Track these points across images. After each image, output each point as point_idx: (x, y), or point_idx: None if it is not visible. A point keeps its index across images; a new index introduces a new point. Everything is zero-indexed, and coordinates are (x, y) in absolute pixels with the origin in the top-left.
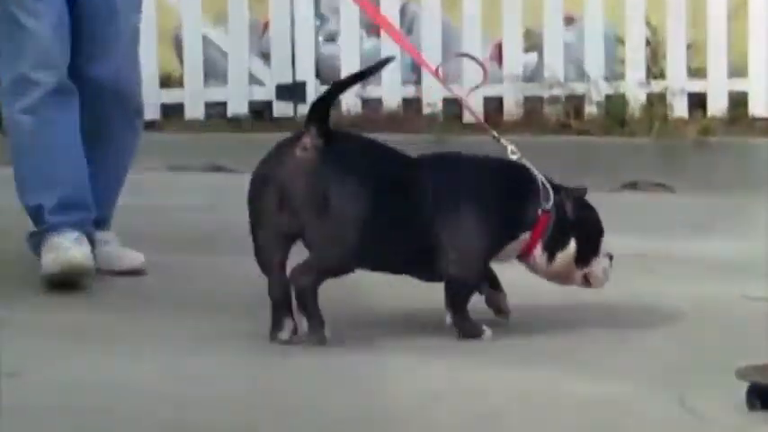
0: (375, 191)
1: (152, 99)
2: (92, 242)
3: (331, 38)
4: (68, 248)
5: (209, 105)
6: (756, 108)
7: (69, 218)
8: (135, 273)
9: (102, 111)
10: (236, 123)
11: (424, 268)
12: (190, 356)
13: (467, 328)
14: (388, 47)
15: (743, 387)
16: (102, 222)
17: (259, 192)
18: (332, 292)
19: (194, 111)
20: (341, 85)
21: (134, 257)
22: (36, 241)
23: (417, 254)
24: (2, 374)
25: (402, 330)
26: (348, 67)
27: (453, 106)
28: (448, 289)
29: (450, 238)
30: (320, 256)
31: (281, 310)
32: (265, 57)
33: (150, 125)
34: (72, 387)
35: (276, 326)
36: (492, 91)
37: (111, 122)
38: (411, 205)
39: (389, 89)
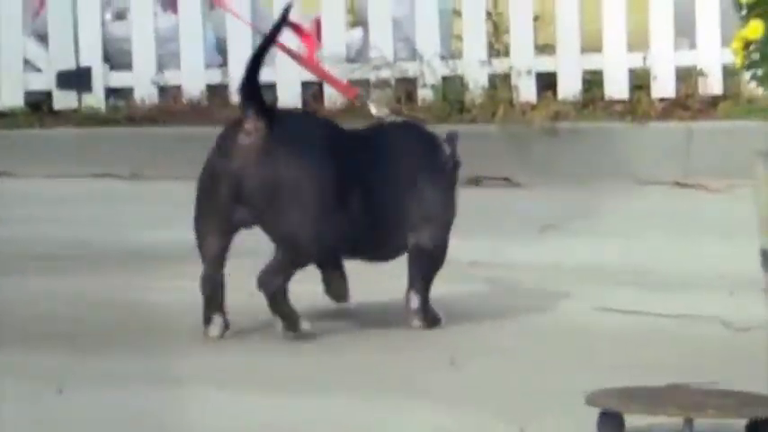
0: (331, 168)
1: None
2: None
3: (120, 15)
4: None
5: None
6: (612, 89)
7: None
8: None
9: None
10: (9, 118)
11: (381, 246)
12: None
13: (432, 316)
14: (186, 24)
15: (593, 415)
16: None
17: (207, 187)
18: None
19: None
20: (260, 55)
21: None
22: None
23: (376, 230)
24: None
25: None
26: (141, 49)
27: (267, 92)
28: (418, 266)
29: (420, 210)
30: (285, 249)
31: (212, 305)
32: (42, 39)
33: None
34: None
35: (207, 321)
36: (310, 75)
37: None
38: (371, 179)
39: (191, 75)
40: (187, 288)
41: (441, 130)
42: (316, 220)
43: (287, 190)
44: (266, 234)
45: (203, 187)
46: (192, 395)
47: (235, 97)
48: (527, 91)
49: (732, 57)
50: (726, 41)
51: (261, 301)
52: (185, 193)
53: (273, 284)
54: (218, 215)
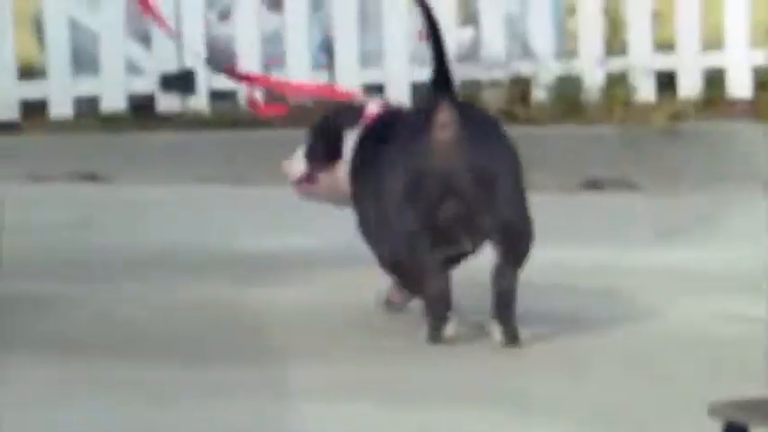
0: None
1: (9, 95)
2: None
3: (224, 15)
4: None
5: (78, 101)
6: (734, 88)
7: None
8: None
9: None
10: (112, 122)
11: None
12: (41, 407)
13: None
14: (292, 23)
15: (717, 427)
16: None
17: (410, 189)
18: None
19: (61, 107)
20: (442, 44)
21: None
22: None
23: None
24: None
25: None
26: (247, 50)
27: (375, 94)
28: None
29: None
30: (505, 240)
31: (442, 306)
32: (145, 40)
33: (7, 127)
34: None
35: (440, 324)
36: (419, 74)
37: None
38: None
39: (296, 76)
40: (293, 296)
41: (555, 131)
42: (528, 217)
43: (503, 178)
44: (476, 227)
45: (407, 190)
46: (302, 407)
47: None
48: (645, 90)
49: None
50: None
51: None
52: (290, 199)
53: (507, 284)
54: (427, 215)
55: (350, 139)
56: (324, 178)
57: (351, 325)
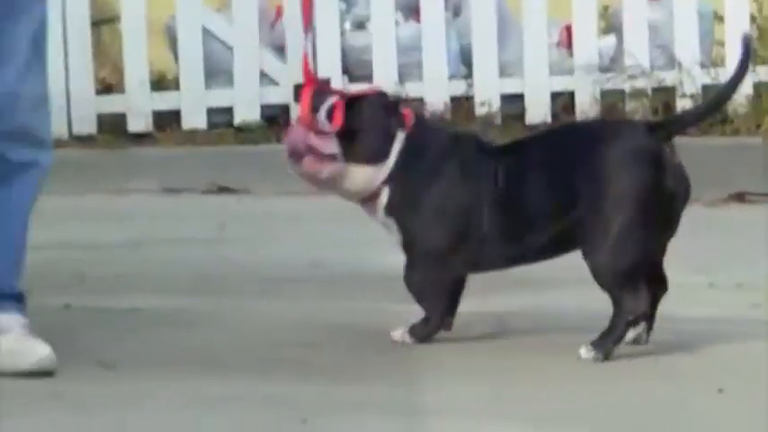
0: None
1: (141, 106)
2: None
3: (360, 25)
4: None
5: (212, 112)
6: None
7: None
8: (41, 373)
9: None
10: (245, 133)
11: None
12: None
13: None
14: (429, 32)
15: None
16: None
17: (659, 207)
18: None
19: (194, 118)
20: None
21: (39, 351)
22: None
23: None
24: None
25: None
26: (382, 60)
27: (513, 104)
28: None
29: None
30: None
31: (641, 320)
32: (279, 50)
33: (141, 138)
34: None
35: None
36: (560, 83)
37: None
38: None
39: (433, 86)
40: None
41: (700, 142)
42: None
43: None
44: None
45: (659, 207)
46: (438, 425)
47: (480, 109)
48: None
49: None
50: None
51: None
52: None
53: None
54: (666, 233)
55: (398, 143)
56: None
57: (490, 340)
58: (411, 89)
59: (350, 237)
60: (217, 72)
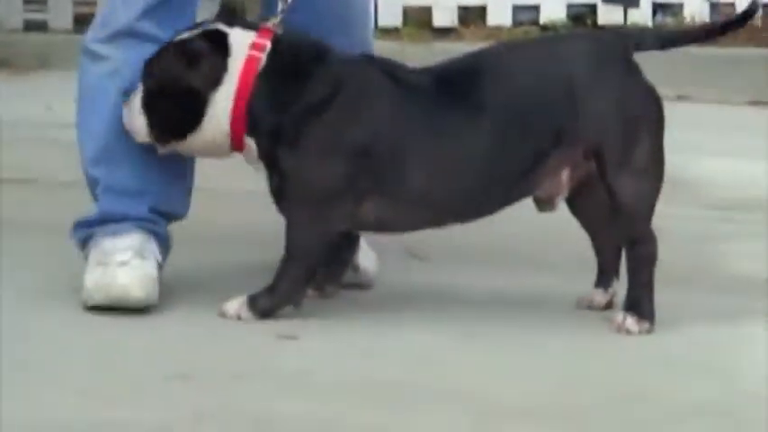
0: None
1: (447, 1)
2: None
3: None
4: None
5: (517, 9)
6: None
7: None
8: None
9: None
10: (550, 31)
11: None
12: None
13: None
14: None
15: None
16: None
17: None
18: None
19: (500, 15)
20: None
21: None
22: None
23: None
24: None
25: None
26: None
27: None
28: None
29: None
30: None
31: None
32: None
33: (445, 32)
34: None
35: None
36: None
37: None
38: None
39: None
40: None
41: (726, 52)
42: None
43: None
44: None
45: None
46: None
47: None
48: None
49: None
50: None
51: None
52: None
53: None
54: None
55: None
56: None
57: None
58: None
59: None
60: None
